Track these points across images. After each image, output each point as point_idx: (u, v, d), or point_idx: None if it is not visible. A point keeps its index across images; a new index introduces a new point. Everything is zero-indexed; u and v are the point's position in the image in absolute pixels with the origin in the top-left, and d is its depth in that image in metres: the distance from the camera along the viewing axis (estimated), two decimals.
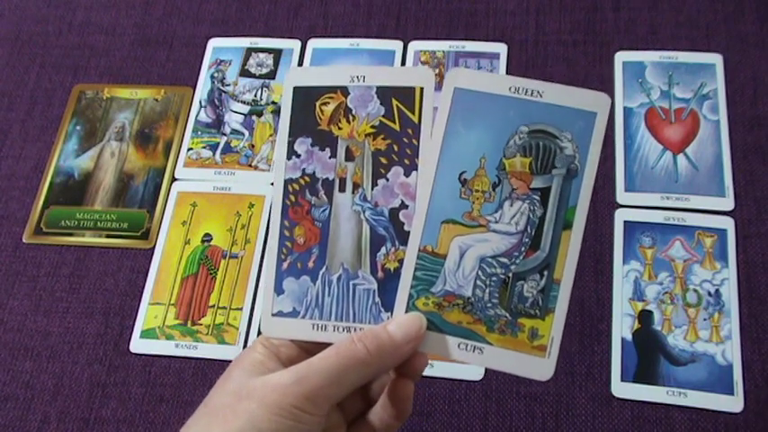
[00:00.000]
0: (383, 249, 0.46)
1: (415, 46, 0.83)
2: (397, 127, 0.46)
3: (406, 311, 0.44)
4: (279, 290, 0.46)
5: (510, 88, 0.44)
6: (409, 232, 0.45)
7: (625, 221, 0.71)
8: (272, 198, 0.47)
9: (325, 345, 0.43)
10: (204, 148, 0.80)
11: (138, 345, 0.70)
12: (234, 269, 0.73)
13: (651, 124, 0.75)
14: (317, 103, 0.47)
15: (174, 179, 0.78)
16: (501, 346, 0.44)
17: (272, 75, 0.83)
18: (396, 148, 0.46)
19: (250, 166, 0.78)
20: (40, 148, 0.82)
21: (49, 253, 0.76)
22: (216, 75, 0.84)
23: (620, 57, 0.79)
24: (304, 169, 0.47)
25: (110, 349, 0.71)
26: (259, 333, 0.69)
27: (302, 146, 0.47)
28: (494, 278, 0.45)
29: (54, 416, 0.68)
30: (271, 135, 0.80)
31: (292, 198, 0.47)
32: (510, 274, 0.44)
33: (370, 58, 0.82)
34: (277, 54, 0.84)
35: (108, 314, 0.72)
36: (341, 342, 0.42)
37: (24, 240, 0.77)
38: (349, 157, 0.46)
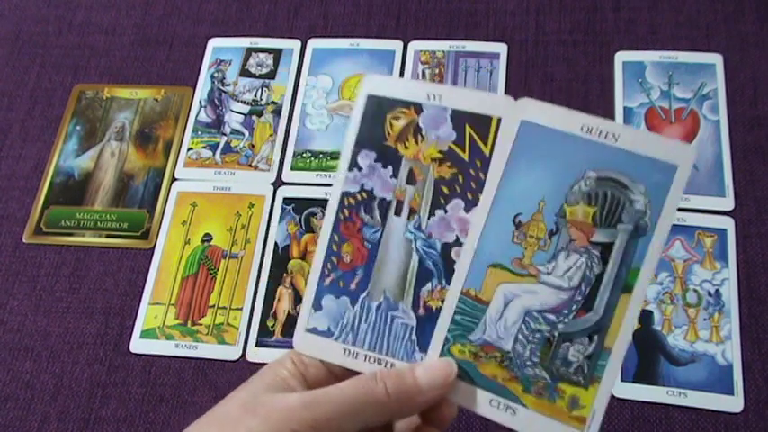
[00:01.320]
0: (429, 285, 0.43)
1: (415, 46, 0.83)
2: (465, 156, 0.43)
3: (441, 356, 0.42)
4: (317, 306, 0.44)
5: (582, 127, 0.40)
6: None
7: None
8: (327, 208, 0.45)
9: (355, 372, 0.42)
10: (204, 148, 0.80)
11: (138, 345, 0.70)
12: (234, 269, 0.73)
13: (651, 124, 0.75)
14: (389, 116, 0.44)
15: (174, 179, 0.78)
16: (536, 410, 0.40)
17: (272, 75, 0.83)
18: (460, 179, 0.43)
19: (250, 166, 0.78)
20: (40, 148, 0.82)
21: (49, 253, 0.76)
22: (216, 75, 0.84)
23: (620, 57, 0.79)
24: (363, 184, 0.44)
25: (110, 349, 0.71)
26: (259, 336, 0.69)
27: (366, 159, 0.44)
28: (537, 335, 0.41)
29: (54, 416, 0.68)
30: (270, 135, 0.80)
31: (346, 212, 0.44)
32: (556, 333, 0.40)
33: (370, 58, 0.82)
34: (277, 54, 0.84)
35: (108, 314, 0.72)
36: (362, 377, 0.40)
37: (24, 240, 0.77)
38: (410, 180, 0.44)
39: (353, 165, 0.44)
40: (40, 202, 0.79)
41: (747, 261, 0.68)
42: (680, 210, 0.70)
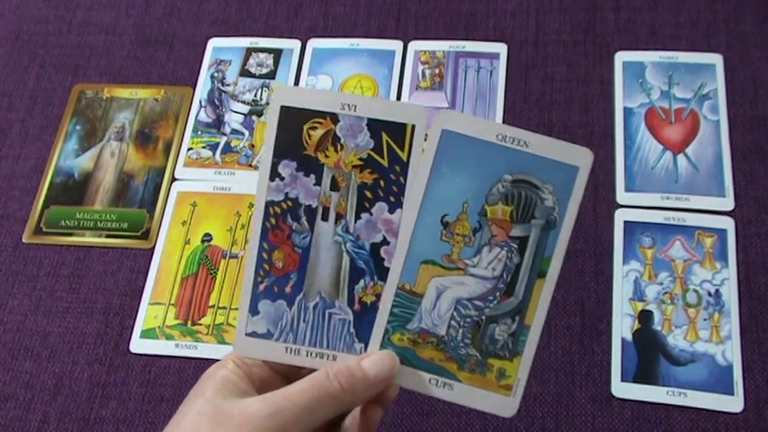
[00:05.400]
0: (362, 282, 0.46)
1: (415, 46, 0.83)
2: (385, 162, 0.46)
3: (382, 346, 0.46)
4: (254, 311, 0.47)
5: (497, 135, 0.45)
6: (389, 268, 0.46)
7: (625, 221, 0.71)
8: (251, 218, 0.47)
9: (298, 368, 0.45)
10: (204, 147, 0.80)
11: (138, 345, 0.70)
12: (234, 269, 0.73)
13: (651, 124, 0.75)
14: (305, 127, 0.46)
15: (174, 179, 0.78)
16: (470, 384, 0.46)
17: (272, 75, 0.83)
18: (382, 183, 0.46)
19: (250, 165, 0.78)
20: (40, 148, 0.82)
21: (49, 253, 0.76)
22: (216, 75, 0.84)
23: (620, 57, 0.79)
24: (287, 193, 0.47)
25: (110, 349, 0.71)
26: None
27: (287, 169, 0.46)
28: (468, 320, 0.46)
29: (54, 416, 0.68)
30: None
31: (273, 221, 0.47)
32: (483, 317, 0.46)
33: (370, 58, 0.82)
34: (277, 54, 0.84)
35: (108, 314, 0.72)
36: (316, 377, 0.43)
37: (24, 240, 0.77)
38: (334, 186, 0.46)
39: (275, 174, 0.47)
40: (40, 202, 0.79)
41: (747, 261, 0.68)
42: (680, 210, 0.70)
